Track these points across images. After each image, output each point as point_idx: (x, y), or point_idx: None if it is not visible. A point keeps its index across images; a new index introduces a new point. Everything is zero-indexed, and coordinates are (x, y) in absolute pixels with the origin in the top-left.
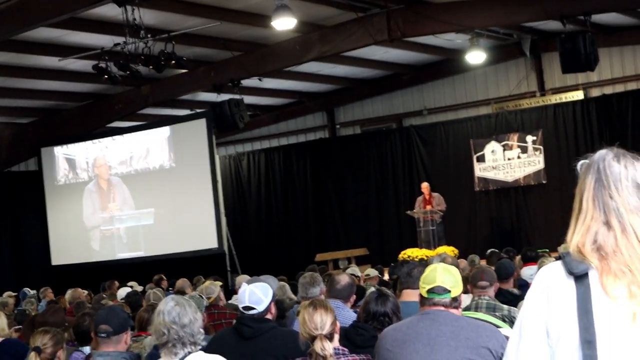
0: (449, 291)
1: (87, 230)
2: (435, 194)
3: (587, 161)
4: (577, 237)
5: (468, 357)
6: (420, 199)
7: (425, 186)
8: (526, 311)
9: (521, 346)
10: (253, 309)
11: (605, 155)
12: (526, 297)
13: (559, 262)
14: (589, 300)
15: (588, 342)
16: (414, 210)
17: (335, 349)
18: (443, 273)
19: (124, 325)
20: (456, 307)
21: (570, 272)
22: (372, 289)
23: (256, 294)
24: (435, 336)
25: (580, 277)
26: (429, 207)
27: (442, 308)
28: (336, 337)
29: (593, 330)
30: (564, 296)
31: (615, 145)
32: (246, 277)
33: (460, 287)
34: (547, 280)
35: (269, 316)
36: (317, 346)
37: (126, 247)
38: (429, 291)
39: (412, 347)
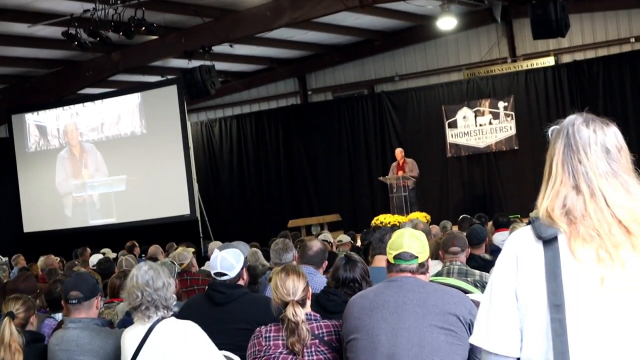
0: (416, 257)
1: (60, 197)
2: (409, 160)
3: (557, 127)
4: (547, 201)
5: (435, 324)
6: (394, 164)
7: (399, 152)
8: (496, 276)
9: (491, 311)
10: (225, 275)
11: (574, 120)
12: (497, 262)
13: (529, 227)
14: (557, 264)
15: (556, 305)
16: (387, 177)
17: (307, 314)
18: (410, 239)
19: (94, 290)
20: (423, 273)
21: (539, 237)
22: (342, 254)
23: (228, 260)
24: (402, 303)
25: (549, 242)
26: (401, 173)
27: (409, 274)
28: (308, 302)
29: (561, 294)
30: (533, 260)
31: (585, 111)
32: (219, 243)
33: (427, 253)
34: (517, 245)
35: (241, 282)
36: (289, 312)
37: (98, 213)
38: (396, 257)
39: (380, 315)
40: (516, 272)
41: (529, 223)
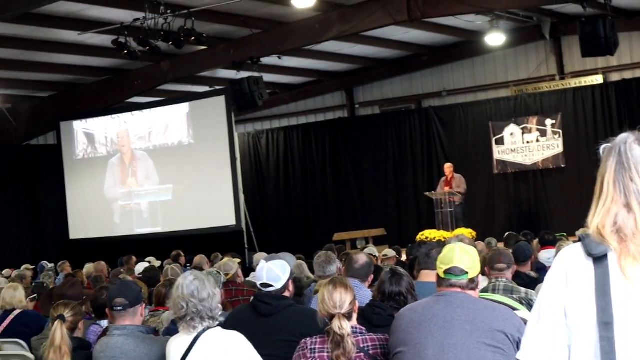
0: (467, 272)
1: (107, 204)
2: (457, 176)
3: (609, 145)
4: (598, 219)
5: (483, 341)
6: (442, 180)
7: (447, 167)
8: (545, 292)
9: (539, 327)
10: (271, 286)
11: (627, 139)
12: (546, 278)
13: (579, 244)
14: (607, 282)
15: (605, 323)
16: (433, 192)
17: (353, 327)
18: (461, 254)
19: (138, 298)
20: (473, 289)
21: (589, 254)
22: (387, 269)
23: (274, 271)
24: (450, 319)
25: (599, 259)
26: (447, 189)
27: (459, 290)
28: (354, 316)
29: (611, 312)
30: (583, 278)
31: (637, 129)
32: (264, 254)
33: (478, 269)
34: (567, 262)
35: (286, 294)
36: (335, 325)
37: (145, 222)
38: (446, 272)
39: (428, 329)
40: (565, 288)
41: (579, 240)
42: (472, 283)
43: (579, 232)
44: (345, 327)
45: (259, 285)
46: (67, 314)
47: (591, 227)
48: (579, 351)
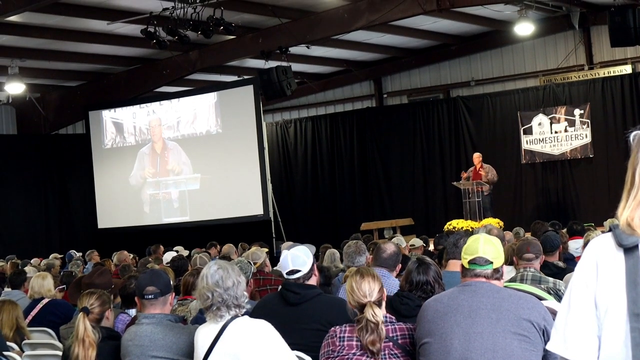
0: (491, 262)
1: (136, 193)
2: (486, 165)
3: (638, 132)
4: (627, 212)
5: (509, 330)
6: (471, 169)
7: (476, 156)
8: (575, 282)
9: (570, 318)
10: (298, 271)
11: None
12: (576, 268)
13: (609, 234)
14: (638, 272)
15: (636, 314)
16: (460, 182)
17: (383, 316)
18: (485, 244)
19: (168, 286)
20: (498, 279)
21: (620, 244)
22: (414, 258)
23: (299, 257)
24: (476, 308)
25: (630, 250)
26: (466, 178)
27: (484, 279)
28: (383, 304)
29: None
30: (613, 268)
31: None
32: (291, 244)
33: (502, 259)
34: (597, 252)
35: (313, 281)
36: (368, 313)
37: (173, 211)
38: (471, 262)
39: (453, 319)
40: (596, 278)
41: (609, 230)
42: (497, 273)
43: (607, 222)
44: (378, 314)
45: (285, 275)
46: (94, 304)
47: (620, 221)
48: (609, 342)
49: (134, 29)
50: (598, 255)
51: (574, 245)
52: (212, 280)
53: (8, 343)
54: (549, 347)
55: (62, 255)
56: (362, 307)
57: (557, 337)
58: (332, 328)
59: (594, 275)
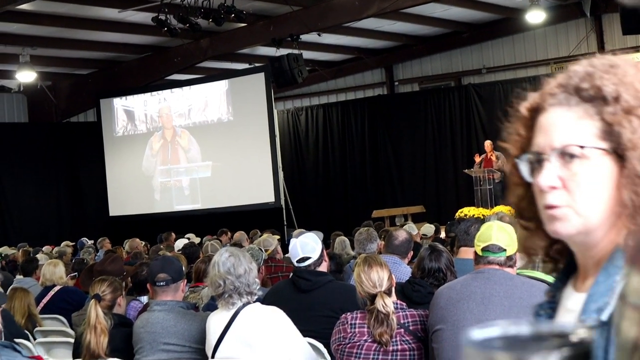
0: (504, 250)
1: (147, 181)
2: (498, 153)
3: None
4: None
5: (522, 317)
6: (482, 157)
7: (488, 144)
8: None
9: None
10: (308, 258)
11: None
12: None
13: None
14: None
15: None
16: (472, 169)
17: (393, 303)
18: (498, 231)
19: (181, 273)
20: (511, 266)
21: None
22: (426, 245)
23: (308, 244)
24: (489, 295)
25: None
26: (479, 163)
27: (497, 267)
28: (393, 291)
29: None
30: None
31: None
32: (303, 231)
33: (516, 246)
34: None
35: (324, 267)
36: (379, 303)
37: (184, 199)
38: (484, 249)
39: (466, 306)
40: None
41: None
42: (510, 260)
43: None
44: (389, 304)
45: (295, 262)
46: (105, 291)
47: None
48: None
49: (145, 17)
50: None
51: None
52: (224, 268)
53: None
54: None
55: (73, 243)
56: (372, 297)
57: None
58: (343, 315)
59: None
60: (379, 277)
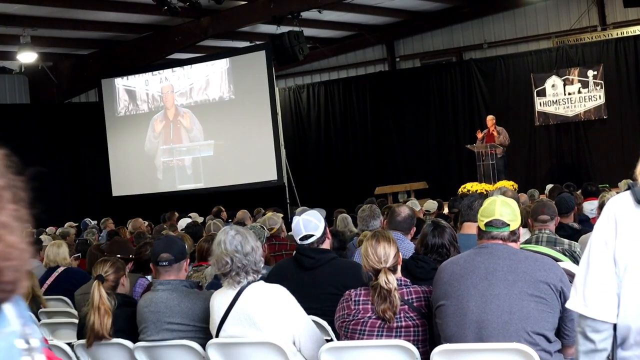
0: (508, 224)
1: (149, 160)
2: (499, 128)
3: None
4: None
5: (525, 291)
6: (484, 132)
7: (490, 119)
8: (594, 241)
9: (589, 276)
10: (312, 236)
11: None
12: (595, 226)
13: (628, 192)
14: None
15: None
16: (474, 145)
17: (397, 280)
18: (502, 206)
19: (183, 253)
20: (514, 241)
21: (638, 202)
22: (429, 221)
23: (311, 222)
24: (492, 270)
25: None
26: (481, 138)
27: (500, 241)
28: (399, 268)
29: None
30: (633, 225)
31: None
32: (306, 208)
33: (519, 221)
34: (616, 210)
35: (327, 244)
36: (382, 279)
37: (187, 178)
38: (487, 224)
39: (470, 281)
40: (615, 236)
41: (627, 189)
42: (514, 235)
43: (622, 183)
44: (392, 281)
45: (298, 240)
46: (108, 271)
47: (639, 179)
48: (629, 298)
49: None
50: (617, 213)
51: (589, 206)
52: (231, 246)
53: None
54: (568, 305)
55: (77, 224)
56: (377, 272)
57: (576, 295)
58: (347, 291)
59: (613, 232)
60: (385, 253)
